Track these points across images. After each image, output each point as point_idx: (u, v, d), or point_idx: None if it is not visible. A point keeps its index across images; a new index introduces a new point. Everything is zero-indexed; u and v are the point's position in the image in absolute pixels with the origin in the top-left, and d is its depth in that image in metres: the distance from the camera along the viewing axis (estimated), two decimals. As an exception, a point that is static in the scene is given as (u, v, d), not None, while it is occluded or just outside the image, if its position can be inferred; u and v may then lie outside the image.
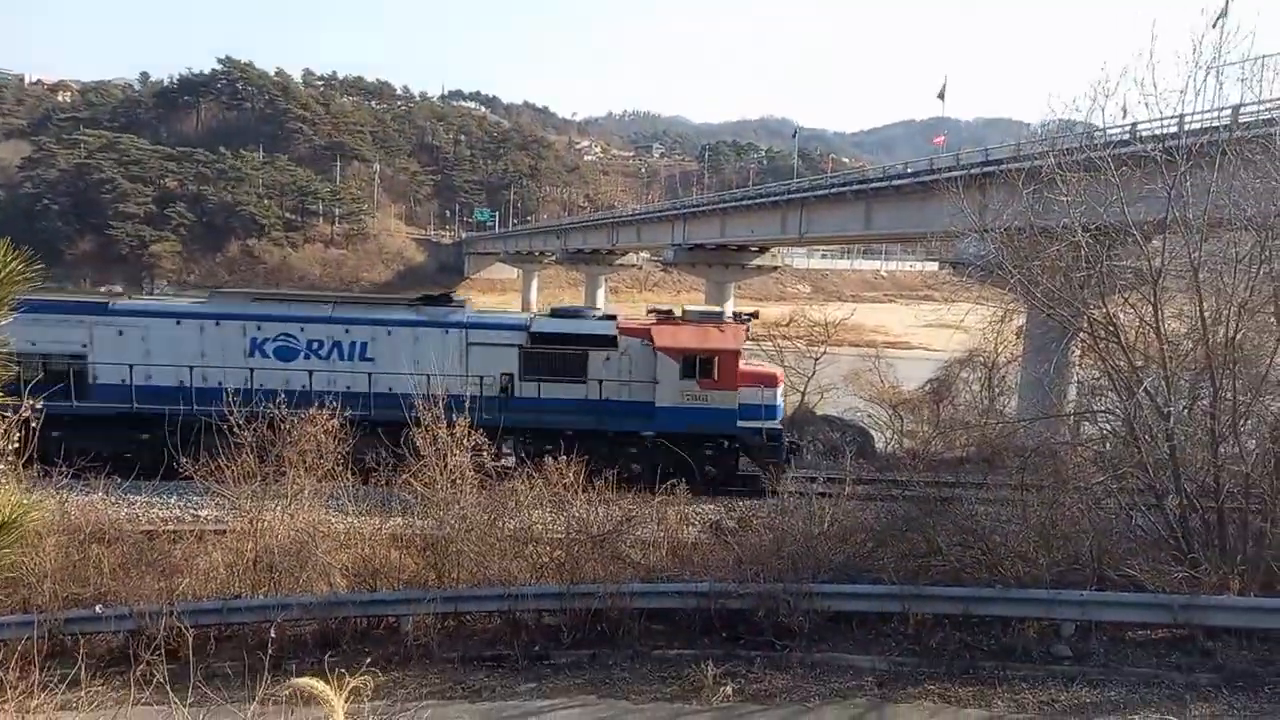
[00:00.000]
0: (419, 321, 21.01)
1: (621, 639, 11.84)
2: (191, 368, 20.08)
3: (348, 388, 19.57)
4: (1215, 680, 10.74)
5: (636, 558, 13.52)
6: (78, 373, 19.67)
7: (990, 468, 13.87)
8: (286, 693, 3.87)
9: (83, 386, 19.65)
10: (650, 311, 23.16)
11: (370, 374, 20.21)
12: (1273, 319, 12.23)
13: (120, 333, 20.25)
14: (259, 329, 20.41)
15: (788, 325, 42.43)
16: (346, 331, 20.54)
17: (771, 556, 12.49)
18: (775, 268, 71.19)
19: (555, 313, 23.03)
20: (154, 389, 19.95)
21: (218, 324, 20.45)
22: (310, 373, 20.12)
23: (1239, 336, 12.01)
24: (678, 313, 22.56)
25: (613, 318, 22.75)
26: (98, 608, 11.96)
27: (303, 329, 20.53)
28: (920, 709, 10.28)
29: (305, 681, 3.62)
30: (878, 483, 15.89)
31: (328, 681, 3.73)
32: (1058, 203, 13.04)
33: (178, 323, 20.63)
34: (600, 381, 20.58)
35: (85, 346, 20.12)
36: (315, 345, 20.51)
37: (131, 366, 19.97)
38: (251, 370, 20.00)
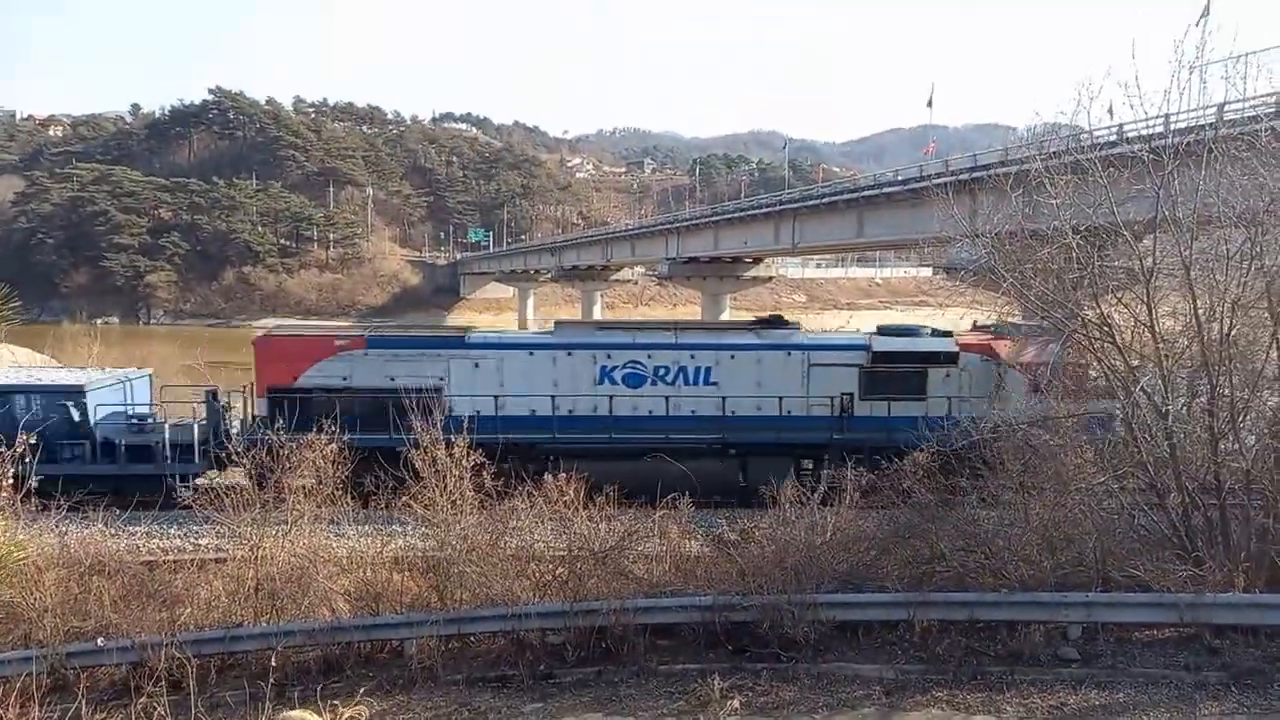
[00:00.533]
0: (762, 345, 21.45)
1: (627, 655, 11.77)
2: (553, 397, 20.61)
3: (693, 411, 19.93)
4: (1224, 678, 10.69)
5: (640, 573, 13.46)
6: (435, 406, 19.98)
7: (990, 470, 13.82)
8: None
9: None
10: (975, 327, 22.61)
11: (717, 398, 20.56)
12: (1266, 314, 12.25)
13: (476, 365, 20.78)
14: (609, 357, 20.93)
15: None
16: (692, 357, 20.94)
17: (774, 567, 12.41)
18: (770, 278, 71.35)
19: (884, 330, 23.08)
20: (506, 419, 20.22)
21: (569, 354, 20.98)
22: (666, 399, 20.58)
23: (1233, 333, 12.03)
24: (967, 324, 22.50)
25: (949, 334, 22.66)
26: (99, 640, 11.90)
27: (650, 356, 20.99)
28: (929, 716, 10.22)
29: (298, 715, 3.60)
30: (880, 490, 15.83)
31: (319, 712, 3.71)
32: (1047, 206, 13.08)
33: (531, 354, 21.19)
34: (944, 399, 20.49)
35: (442, 380, 20.57)
36: (661, 371, 20.97)
37: (496, 398, 20.46)
38: (611, 398, 20.62)
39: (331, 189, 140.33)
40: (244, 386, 21.66)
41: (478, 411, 19.82)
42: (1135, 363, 12.79)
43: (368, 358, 21.00)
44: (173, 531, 18.64)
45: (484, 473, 13.40)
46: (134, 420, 21.89)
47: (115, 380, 22.37)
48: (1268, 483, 11.81)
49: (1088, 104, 13.50)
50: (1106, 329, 13.01)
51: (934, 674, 11.13)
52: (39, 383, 21.42)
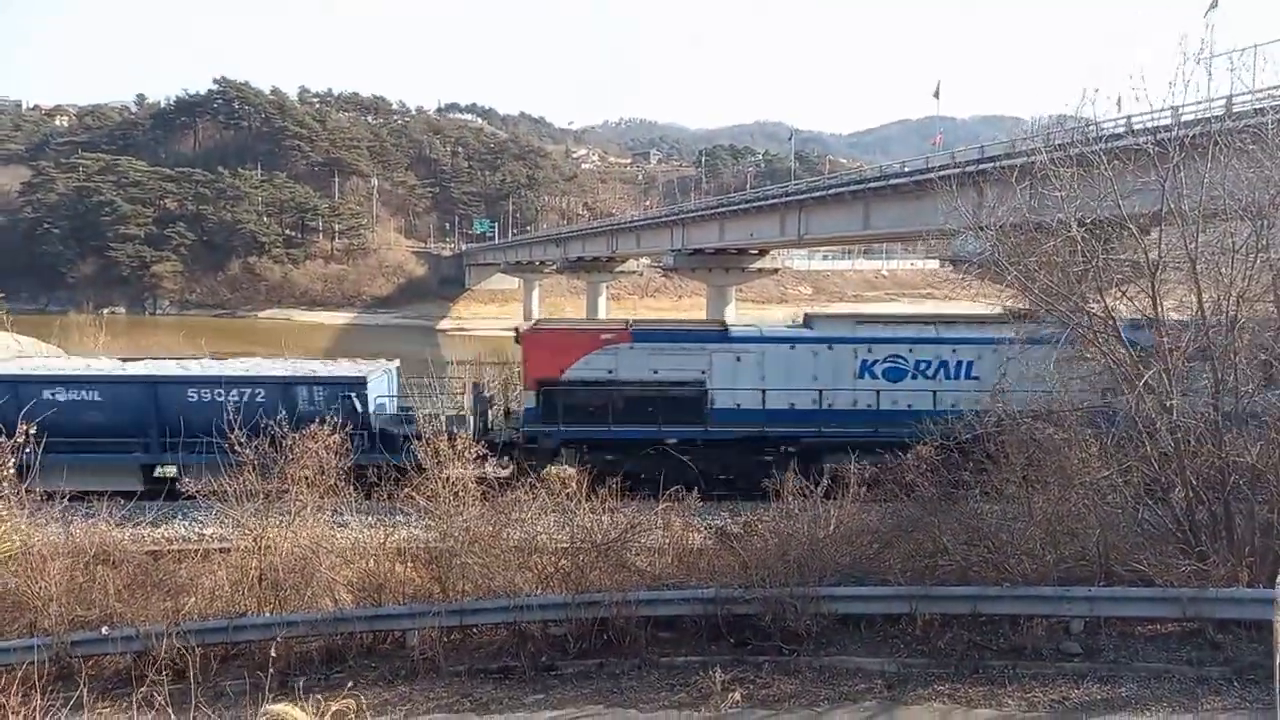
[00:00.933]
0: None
1: (628, 647, 11.79)
2: (820, 391, 20.54)
3: (953, 405, 19.39)
4: (1226, 673, 10.67)
5: (642, 565, 13.48)
6: (697, 399, 20.45)
7: (994, 464, 13.79)
8: (265, 719, 3.84)
9: (702, 412, 20.37)
10: None
11: (980, 391, 19.78)
12: (1272, 307, 12.18)
13: (738, 359, 20.80)
14: (869, 351, 20.80)
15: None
16: (954, 351, 20.74)
17: (777, 561, 12.42)
18: (776, 270, 71.26)
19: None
20: (769, 412, 20.38)
21: (830, 348, 20.90)
22: (933, 393, 20.28)
23: (1239, 326, 11.96)
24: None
25: None
26: (104, 629, 11.97)
27: (911, 350, 20.83)
28: (930, 710, 10.23)
29: (281, 708, 3.60)
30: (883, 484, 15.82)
31: (306, 707, 3.71)
32: (1052, 198, 13.01)
33: (792, 347, 21.16)
34: None
35: (704, 373, 20.70)
36: (923, 365, 20.79)
37: (763, 392, 20.48)
38: (878, 392, 20.53)
39: (336, 179, 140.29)
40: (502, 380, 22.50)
41: (738, 404, 20.34)
42: (1140, 356, 12.73)
43: (633, 350, 21.18)
44: (177, 521, 18.70)
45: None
46: (404, 411, 22.34)
47: (382, 371, 22.83)
48: (1273, 478, 11.75)
49: (1093, 96, 13.43)
50: (1111, 322, 12.96)
51: (936, 667, 11.13)
52: (323, 374, 21.92)
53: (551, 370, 21.03)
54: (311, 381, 21.16)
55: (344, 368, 22.96)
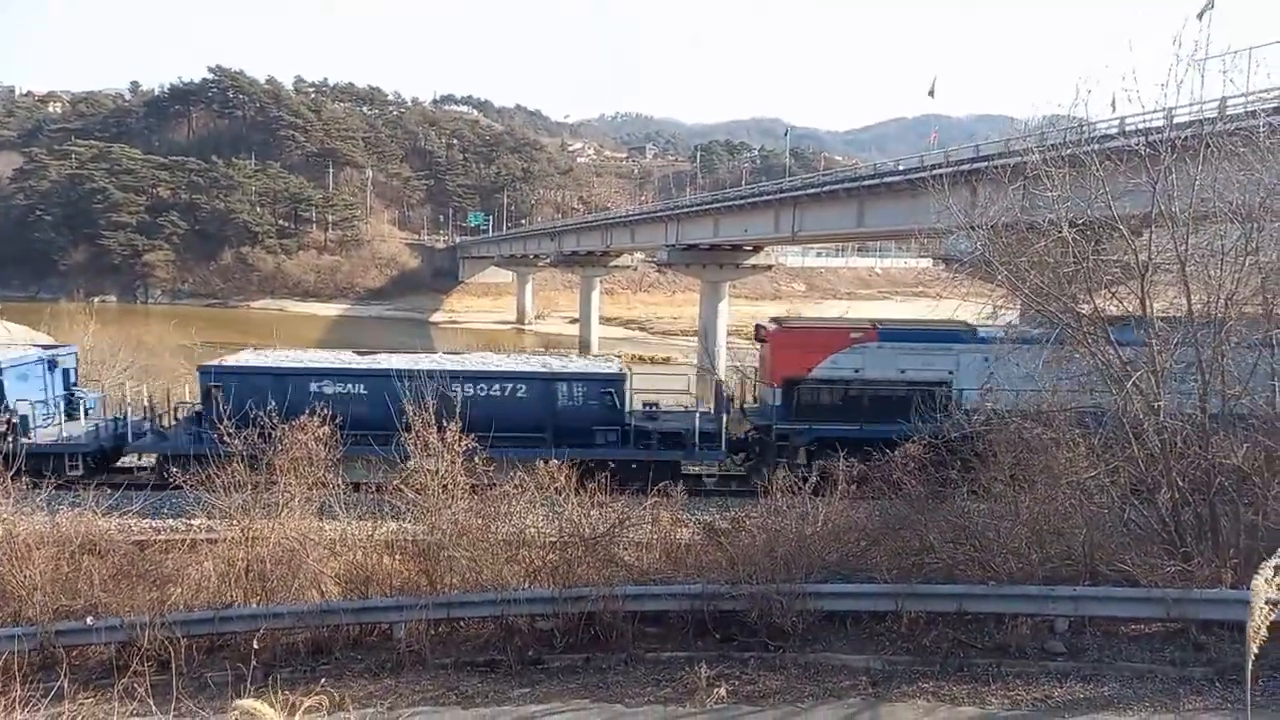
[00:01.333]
0: None
1: (615, 642, 11.80)
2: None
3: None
4: (1209, 674, 10.73)
5: (630, 560, 13.49)
6: (944, 398, 20.13)
7: (982, 462, 13.83)
8: (235, 714, 3.83)
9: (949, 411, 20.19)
10: None
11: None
12: (1260, 310, 12.22)
13: (986, 359, 20.25)
14: None
15: (782, 324, 42.49)
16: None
17: (764, 557, 12.43)
18: (769, 266, 71.21)
19: None
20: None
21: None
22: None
23: (1227, 329, 12.01)
24: None
25: None
26: (88, 619, 11.91)
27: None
28: (914, 708, 10.26)
29: (249, 703, 3.59)
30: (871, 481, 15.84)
31: (274, 704, 3.70)
32: (1043, 198, 13.03)
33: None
34: None
35: (951, 373, 20.80)
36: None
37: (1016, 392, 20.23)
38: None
39: (331, 170, 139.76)
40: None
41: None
42: (1128, 358, 12.76)
43: (880, 350, 21.32)
44: (164, 511, 18.65)
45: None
46: (649, 407, 22.77)
47: (622, 367, 23.28)
48: (1258, 480, 11.81)
49: (1086, 97, 13.44)
50: (1101, 323, 12.98)
51: (921, 665, 11.17)
52: (585, 371, 22.34)
53: (799, 368, 21.23)
54: (572, 378, 21.44)
55: (599, 364, 23.49)
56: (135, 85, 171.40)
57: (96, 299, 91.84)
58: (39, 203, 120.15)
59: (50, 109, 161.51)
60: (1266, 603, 4.96)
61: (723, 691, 10.39)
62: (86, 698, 9.43)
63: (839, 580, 12.47)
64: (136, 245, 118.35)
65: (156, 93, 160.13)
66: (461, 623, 12.61)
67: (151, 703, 7.22)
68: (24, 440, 19.92)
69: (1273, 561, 5.02)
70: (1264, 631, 4.92)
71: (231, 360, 22.34)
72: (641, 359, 72.86)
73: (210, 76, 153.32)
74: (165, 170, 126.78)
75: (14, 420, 20.86)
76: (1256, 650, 5.03)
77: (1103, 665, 11.10)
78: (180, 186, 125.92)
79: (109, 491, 15.89)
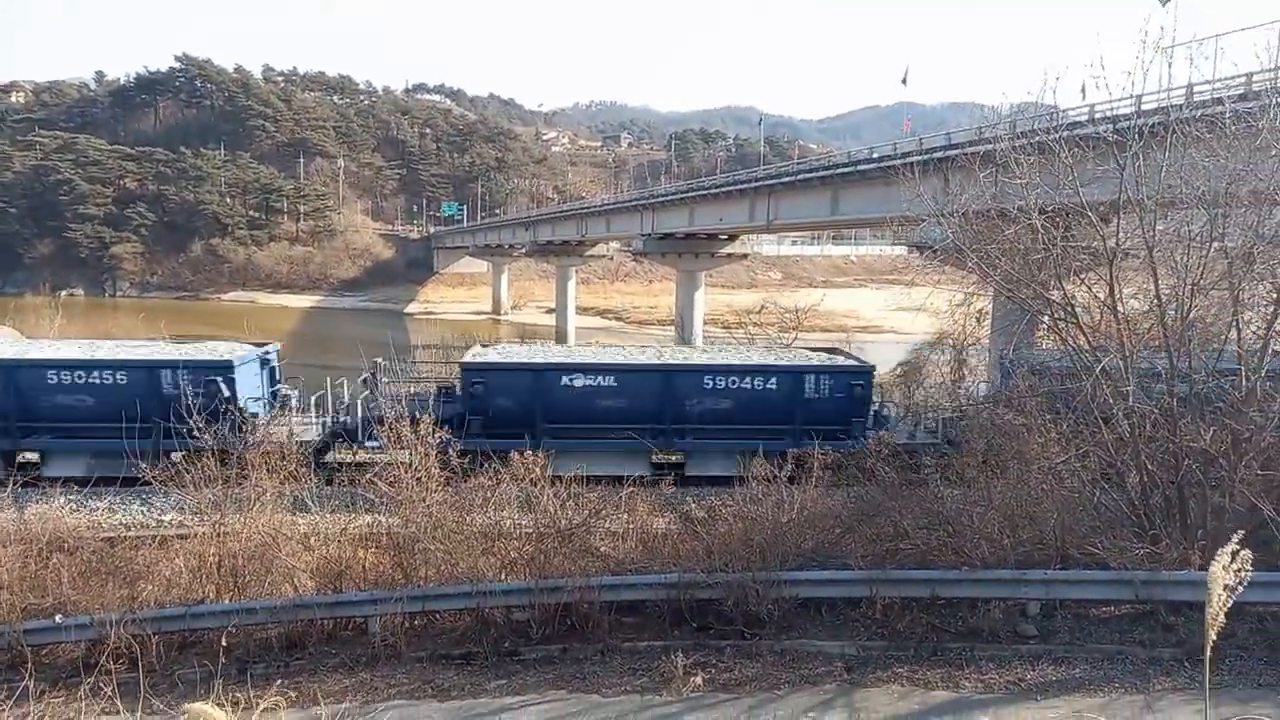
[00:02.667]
0: None
1: (591, 633, 11.79)
2: None
3: None
4: (1177, 654, 10.89)
5: (606, 550, 13.48)
6: None
7: (954, 448, 13.96)
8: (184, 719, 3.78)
9: None
10: None
11: None
12: (1227, 295, 12.37)
13: None
14: None
15: (759, 313, 42.54)
16: None
17: (740, 545, 12.48)
18: (745, 255, 71.19)
19: None
20: None
21: None
22: None
23: (1193, 314, 12.15)
24: None
25: None
26: (57, 617, 11.74)
27: None
28: (889, 692, 10.34)
29: (199, 708, 3.54)
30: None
31: (237, 700, 3.65)
32: (1013, 186, 13.11)
33: None
34: None
35: None
36: None
37: None
38: None
39: (302, 160, 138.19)
40: None
41: None
42: (1098, 343, 12.90)
43: None
44: (135, 507, 18.43)
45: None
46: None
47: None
48: (1224, 463, 11.98)
49: (1055, 85, 13.52)
50: (1070, 309, 13.11)
51: (895, 650, 11.25)
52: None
53: None
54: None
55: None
56: (100, 75, 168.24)
57: (63, 292, 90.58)
58: (2, 195, 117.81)
59: (13, 99, 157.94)
60: (1224, 588, 5.02)
61: (699, 680, 10.44)
62: (54, 697, 9.30)
63: (814, 567, 12.53)
64: (104, 237, 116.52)
65: (122, 82, 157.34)
66: (437, 615, 12.55)
67: (119, 701, 7.12)
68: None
69: (1229, 547, 5.08)
70: (1221, 618, 4.99)
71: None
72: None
73: (177, 66, 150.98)
74: (132, 161, 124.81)
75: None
76: (1220, 631, 5.09)
77: (1074, 647, 11.24)
78: (148, 178, 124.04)
79: (75, 488, 15.64)
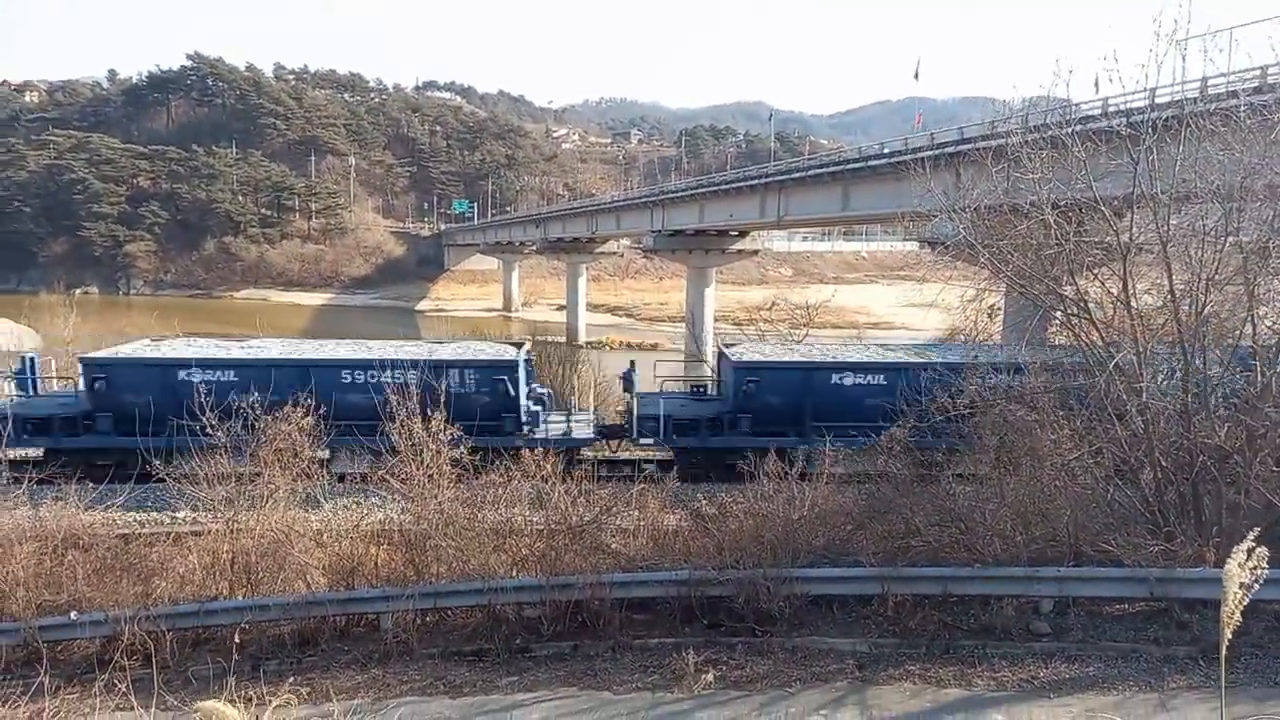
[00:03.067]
0: None
1: (603, 629, 11.81)
2: None
3: None
4: (1192, 652, 10.82)
5: (617, 547, 13.49)
6: None
7: (967, 444, 13.89)
8: (197, 716, 3.80)
9: None
10: None
11: None
12: (1242, 290, 12.27)
13: None
14: None
15: (770, 309, 42.49)
16: None
17: (751, 542, 12.46)
18: (755, 251, 71.25)
19: None
20: None
21: None
22: None
23: (1208, 309, 12.05)
24: None
25: None
26: (72, 614, 11.84)
27: None
28: (901, 690, 10.30)
29: (211, 705, 3.56)
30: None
31: (250, 698, 3.66)
32: (1025, 180, 13.02)
33: None
34: None
35: None
36: None
37: None
38: None
39: (313, 158, 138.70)
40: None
41: None
42: (1112, 339, 12.81)
43: None
44: (149, 504, 18.53)
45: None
46: None
47: None
48: (1239, 459, 11.88)
49: (1068, 78, 13.44)
50: (1083, 304, 13.02)
51: (907, 648, 11.22)
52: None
53: None
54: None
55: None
56: (113, 74, 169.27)
57: (78, 291, 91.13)
58: (17, 194, 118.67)
59: (27, 98, 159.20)
60: (1240, 586, 4.98)
61: (710, 677, 10.42)
62: (69, 693, 9.36)
63: (826, 564, 12.50)
64: (117, 236, 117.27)
65: (135, 81, 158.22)
66: (448, 612, 12.59)
67: (133, 698, 7.16)
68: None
69: (1245, 545, 5.04)
70: (1238, 616, 4.95)
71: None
72: (631, 345, 72.84)
73: (189, 64, 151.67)
74: (145, 160, 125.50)
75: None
76: (1236, 629, 5.05)
77: (1087, 645, 11.18)
78: (161, 176, 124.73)
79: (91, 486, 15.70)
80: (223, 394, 19.61)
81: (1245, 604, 5.08)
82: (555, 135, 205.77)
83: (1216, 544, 11.52)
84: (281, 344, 23.97)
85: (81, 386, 21.36)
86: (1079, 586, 11.80)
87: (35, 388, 22.66)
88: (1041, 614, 11.81)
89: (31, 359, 22.99)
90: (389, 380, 18.56)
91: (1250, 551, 5.02)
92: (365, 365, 20.52)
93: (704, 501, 16.92)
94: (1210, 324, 12.22)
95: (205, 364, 20.74)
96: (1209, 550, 11.44)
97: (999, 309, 16.79)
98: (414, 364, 18.63)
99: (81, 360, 21.59)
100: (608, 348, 73.96)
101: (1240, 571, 4.96)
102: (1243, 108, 12.10)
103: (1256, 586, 5.03)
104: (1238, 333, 12.51)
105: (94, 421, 20.90)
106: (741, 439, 20.60)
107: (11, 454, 18.83)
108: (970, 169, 17.84)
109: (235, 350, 22.29)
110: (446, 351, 22.15)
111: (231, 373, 20.53)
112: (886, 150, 40.42)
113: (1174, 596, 11.47)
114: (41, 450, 21.10)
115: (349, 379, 20.58)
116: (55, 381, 24.09)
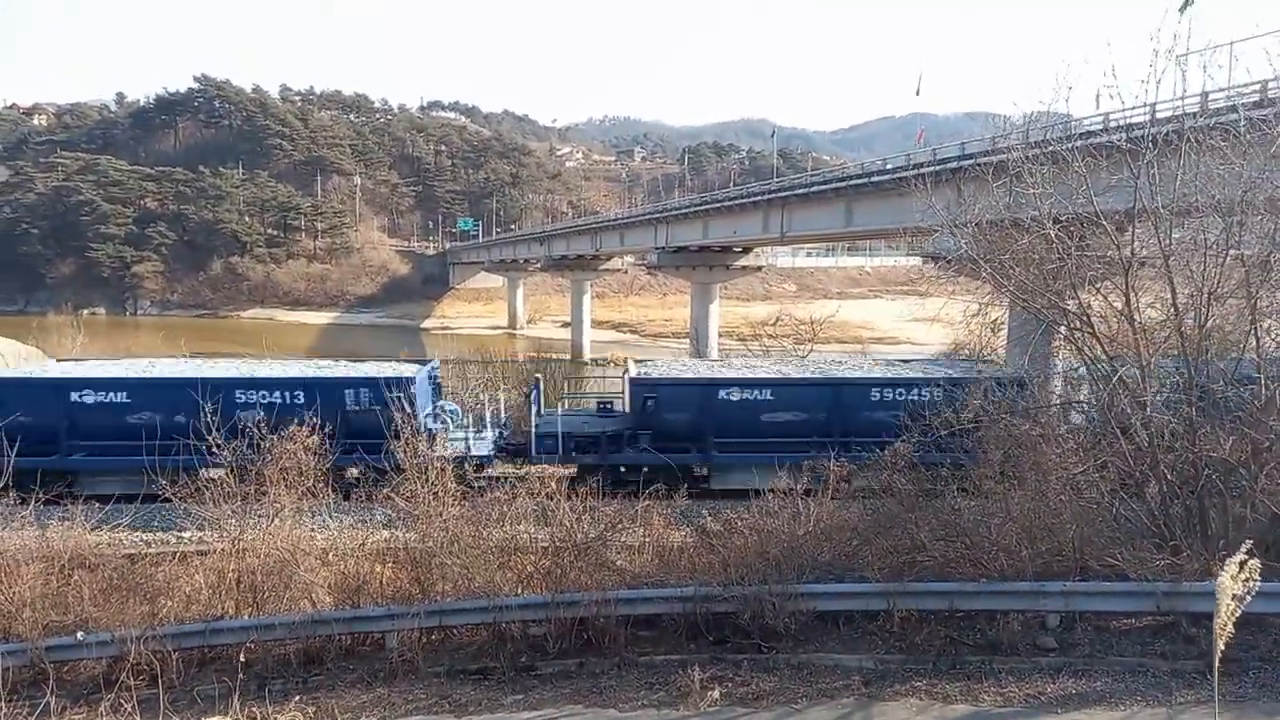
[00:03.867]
0: None
1: (608, 647, 11.78)
2: None
3: None
4: (1199, 667, 10.74)
5: (622, 564, 13.47)
6: None
7: (971, 459, 13.87)
8: None
9: None
10: None
11: None
12: (1244, 303, 12.29)
13: None
14: None
15: (774, 325, 42.56)
16: None
17: (757, 558, 12.44)
18: (759, 268, 71.28)
19: None
20: None
21: None
22: None
23: (1210, 323, 12.06)
24: None
25: None
26: (78, 634, 11.84)
27: None
28: (907, 706, 10.26)
29: None
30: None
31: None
32: (1027, 195, 13.07)
33: None
34: None
35: None
36: None
37: None
38: None
39: (319, 178, 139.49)
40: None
41: None
42: (1115, 353, 12.82)
43: None
44: (155, 524, 18.56)
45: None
46: None
47: None
48: (1245, 472, 11.86)
49: (1068, 94, 13.51)
50: (1086, 319, 13.04)
51: (913, 664, 11.17)
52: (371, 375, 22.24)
53: None
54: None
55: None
56: (120, 96, 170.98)
57: (85, 311, 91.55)
58: (25, 216, 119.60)
59: (35, 121, 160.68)
60: (1233, 598, 5.00)
61: (716, 694, 10.40)
62: (76, 713, 9.37)
63: (831, 580, 12.47)
64: (125, 257, 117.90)
65: (142, 103, 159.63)
66: (454, 630, 12.57)
67: (139, 718, 7.17)
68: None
69: (1236, 558, 5.07)
70: (1230, 628, 4.96)
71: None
72: (636, 361, 72.63)
73: (196, 86, 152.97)
74: (152, 181, 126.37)
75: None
76: (1242, 643, 5.05)
77: (1094, 660, 11.13)
78: (168, 197, 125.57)
79: (98, 506, 15.77)
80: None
81: (1254, 619, 5.08)
82: (559, 153, 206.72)
83: (1223, 557, 11.40)
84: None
85: None
86: (1085, 601, 11.75)
87: None
88: (1048, 629, 11.76)
89: (537, 378, 23.87)
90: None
91: (1242, 564, 5.03)
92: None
93: (709, 518, 16.90)
94: (1213, 337, 12.23)
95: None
96: (1216, 564, 11.31)
97: (1002, 323, 16.82)
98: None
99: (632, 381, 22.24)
100: (612, 364, 73.96)
101: (1233, 584, 4.97)
102: (1242, 122, 12.16)
103: (1249, 599, 5.04)
104: (1241, 346, 12.52)
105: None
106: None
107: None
108: (972, 184, 17.89)
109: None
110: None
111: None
112: (889, 166, 40.55)
113: (1181, 611, 11.41)
114: None
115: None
116: None
